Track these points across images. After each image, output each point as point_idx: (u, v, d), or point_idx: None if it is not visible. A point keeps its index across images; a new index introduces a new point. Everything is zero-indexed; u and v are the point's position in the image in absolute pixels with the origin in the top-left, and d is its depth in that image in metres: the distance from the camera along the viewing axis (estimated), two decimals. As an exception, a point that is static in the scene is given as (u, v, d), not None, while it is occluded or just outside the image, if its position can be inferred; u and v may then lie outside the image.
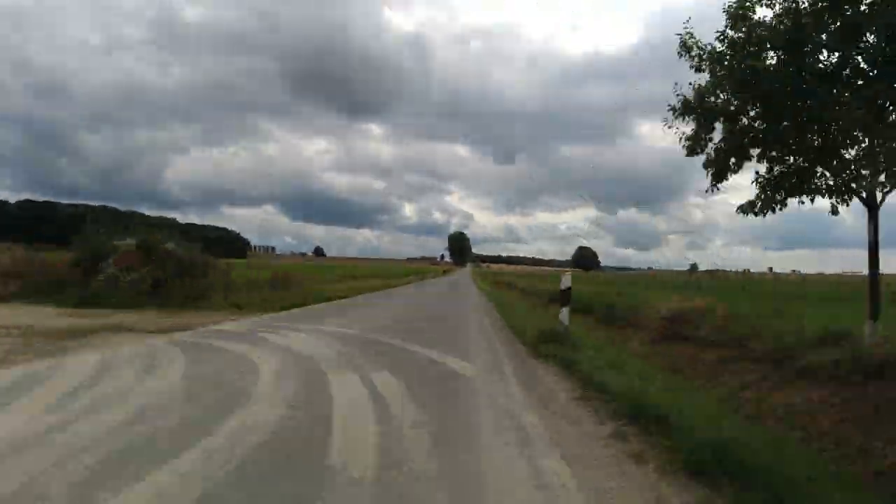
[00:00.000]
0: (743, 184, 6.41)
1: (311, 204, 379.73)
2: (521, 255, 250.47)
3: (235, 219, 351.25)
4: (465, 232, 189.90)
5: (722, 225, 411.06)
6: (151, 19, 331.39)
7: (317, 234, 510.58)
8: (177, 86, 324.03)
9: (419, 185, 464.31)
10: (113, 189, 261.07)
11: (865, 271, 5.65)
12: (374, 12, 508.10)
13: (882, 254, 5.44)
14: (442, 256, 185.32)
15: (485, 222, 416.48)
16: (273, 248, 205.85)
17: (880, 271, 5.51)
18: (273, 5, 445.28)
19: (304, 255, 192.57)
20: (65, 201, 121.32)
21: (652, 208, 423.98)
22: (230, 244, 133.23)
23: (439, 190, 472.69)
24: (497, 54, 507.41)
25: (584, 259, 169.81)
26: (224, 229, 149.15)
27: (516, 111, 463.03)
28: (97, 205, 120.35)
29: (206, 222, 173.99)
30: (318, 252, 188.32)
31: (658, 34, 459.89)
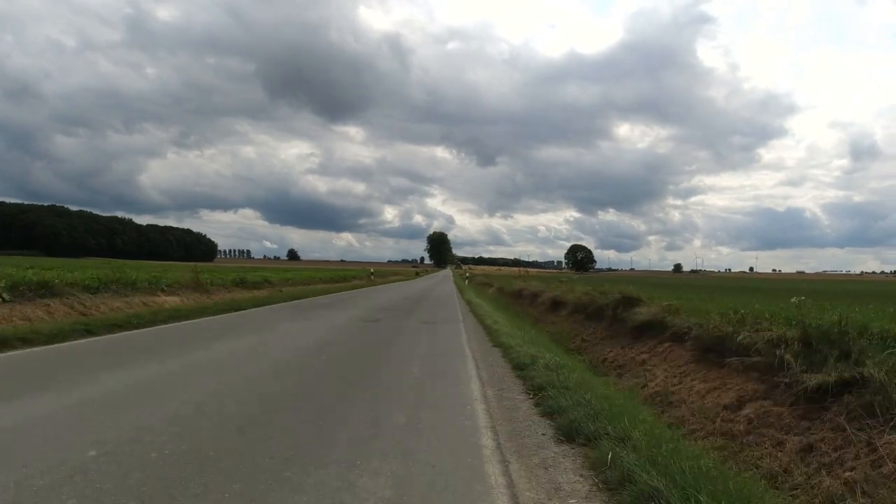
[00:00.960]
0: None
1: (290, 207, 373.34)
2: (503, 256, 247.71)
3: (213, 223, 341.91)
4: (447, 235, 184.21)
5: (700, 226, 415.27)
6: (125, 19, 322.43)
7: (297, 238, 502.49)
8: (152, 88, 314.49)
9: (400, 188, 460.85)
10: (87, 193, 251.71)
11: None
12: (350, 11, 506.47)
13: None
14: (422, 259, 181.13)
15: (466, 225, 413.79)
16: (248, 252, 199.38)
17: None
18: (247, 5, 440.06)
19: (276, 258, 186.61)
20: (9, 201, 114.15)
21: (632, 210, 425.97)
22: (192, 247, 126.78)
23: (421, 193, 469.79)
24: (477, 55, 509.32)
25: (579, 260, 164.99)
26: (189, 231, 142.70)
27: (499, 112, 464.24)
28: (46, 205, 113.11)
29: (185, 226, 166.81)
30: (293, 255, 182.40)
31: (636, 36, 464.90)
